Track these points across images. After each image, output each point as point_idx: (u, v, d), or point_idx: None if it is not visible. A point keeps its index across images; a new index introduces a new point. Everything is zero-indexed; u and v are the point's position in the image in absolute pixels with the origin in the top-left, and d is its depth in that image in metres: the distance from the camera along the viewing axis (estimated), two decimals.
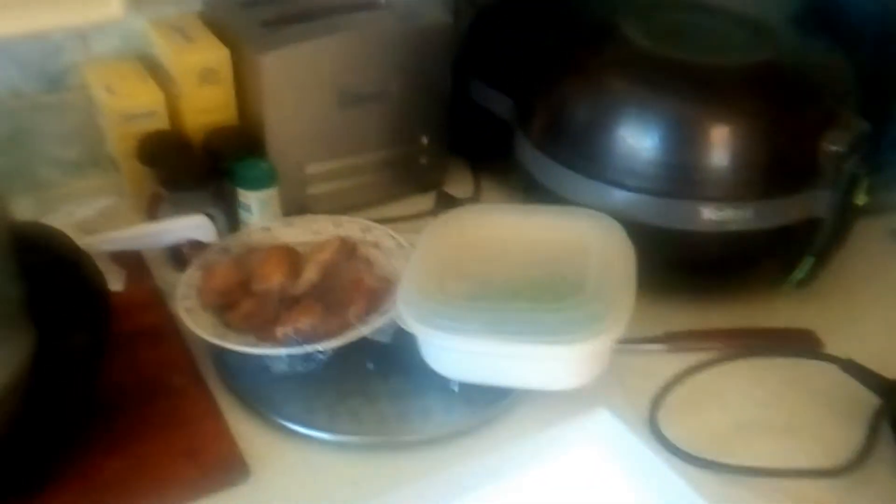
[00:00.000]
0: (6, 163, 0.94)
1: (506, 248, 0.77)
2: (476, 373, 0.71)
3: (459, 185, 1.02)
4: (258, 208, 0.87)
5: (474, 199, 0.99)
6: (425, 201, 0.99)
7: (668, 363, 0.78)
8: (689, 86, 0.76)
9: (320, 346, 0.71)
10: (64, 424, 0.64)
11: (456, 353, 0.70)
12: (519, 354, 0.68)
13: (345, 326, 0.73)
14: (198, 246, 0.85)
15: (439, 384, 0.73)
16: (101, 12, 0.90)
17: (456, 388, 0.73)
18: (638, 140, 0.75)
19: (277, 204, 0.89)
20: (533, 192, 0.85)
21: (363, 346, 0.74)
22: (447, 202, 0.97)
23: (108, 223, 0.87)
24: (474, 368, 0.71)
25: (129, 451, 0.67)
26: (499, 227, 0.80)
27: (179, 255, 0.87)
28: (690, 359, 0.79)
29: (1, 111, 0.93)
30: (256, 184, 0.87)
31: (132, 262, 0.85)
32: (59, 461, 0.64)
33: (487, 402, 0.73)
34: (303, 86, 0.88)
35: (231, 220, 0.89)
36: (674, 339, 0.80)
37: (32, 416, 0.59)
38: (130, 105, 0.90)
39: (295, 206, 0.91)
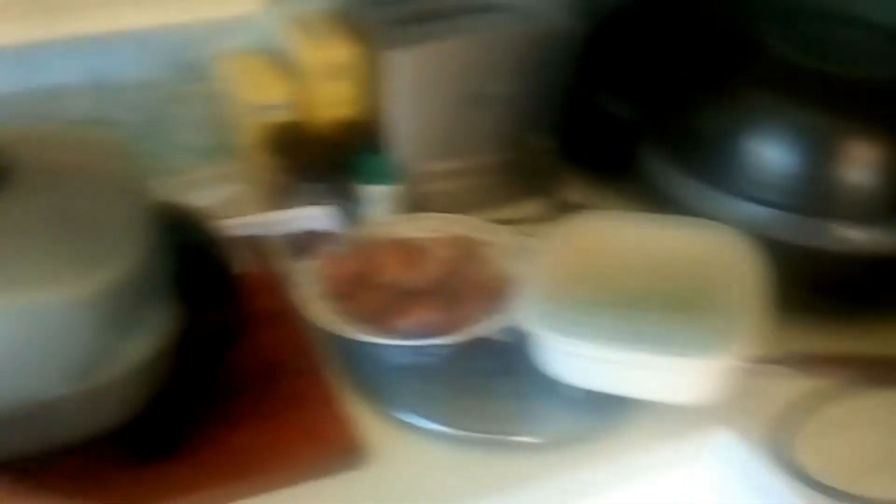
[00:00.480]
0: (142, 148, 0.98)
1: (630, 257, 0.77)
2: (596, 380, 0.70)
3: (572, 190, 1.01)
4: (378, 203, 0.89)
5: (589, 205, 0.98)
6: (538, 205, 0.99)
7: (794, 386, 0.76)
8: (835, 100, 0.73)
9: (441, 341, 0.72)
10: (198, 398, 0.66)
11: (578, 358, 0.69)
12: (643, 364, 0.67)
13: (464, 323, 0.74)
14: (319, 236, 0.87)
15: (556, 388, 0.72)
16: (240, 7, 0.94)
17: (578, 395, 0.72)
18: (777, 155, 0.73)
19: (396, 200, 0.90)
20: (657, 201, 0.83)
21: (481, 343, 0.74)
22: (561, 207, 0.96)
23: (232, 209, 0.90)
24: (595, 375, 0.70)
25: (252, 428, 0.70)
26: (622, 236, 0.79)
27: (300, 244, 0.89)
28: (818, 384, 0.76)
29: (141, 99, 0.97)
30: (378, 179, 0.88)
31: (254, 247, 0.88)
32: (193, 431, 0.67)
33: (604, 411, 0.72)
34: (427, 84, 0.89)
35: (350, 212, 0.90)
36: (802, 362, 0.77)
37: (171, 387, 0.61)
38: (262, 97, 0.92)
39: (411, 203, 0.92)
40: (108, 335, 0.57)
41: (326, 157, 0.90)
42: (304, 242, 0.87)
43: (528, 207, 0.97)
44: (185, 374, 0.63)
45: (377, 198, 0.88)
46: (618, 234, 0.79)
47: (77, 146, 0.71)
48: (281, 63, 0.97)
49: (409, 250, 0.80)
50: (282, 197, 0.91)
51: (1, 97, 0.94)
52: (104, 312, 0.57)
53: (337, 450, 0.69)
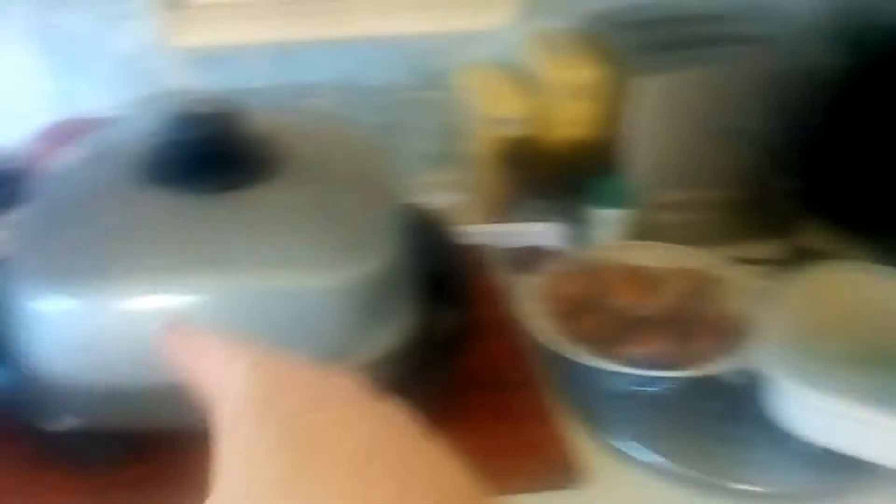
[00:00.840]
0: None
1: (880, 312, 0.72)
2: (836, 437, 0.66)
3: (812, 236, 0.96)
4: (607, 227, 0.88)
5: (830, 253, 0.93)
6: (772, 248, 0.94)
7: None
8: None
9: (670, 374, 0.70)
10: (425, 398, 0.67)
11: (820, 412, 0.65)
12: (892, 428, 0.63)
13: (694, 359, 0.71)
14: (544, 253, 0.87)
15: (786, 438, 0.68)
16: (487, 21, 0.96)
17: (810, 450, 0.67)
18: None
19: (626, 225, 0.88)
20: None
21: (707, 382, 0.71)
22: (799, 253, 0.92)
23: (458, 217, 0.91)
24: (836, 432, 0.66)
25: (468, 432, 0.69)
26: (873, 289, 0.74)
27: (523, 259, 0.89)
28: None
29: (380, 102, 1.01)
30: (611, 202, 0.87)
31: (479, 256, 0.89)
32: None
33: (836, 470, 0.68)
34: (673, 113, 0.88)
35: (577, 233, 0.90)
36: None
37: (404, 383, 0.63)
38: (500, 110, 0.94)
39: (639, 231, 0.90)
40: (360, 324, 0.60)
41: (558, 175, 0.90)
42: (528, 257, 0.87)
43: (764, 248, 0.93)
44: (417, 372, 0.64)
45: (607, 221, 0.87)
46: (868, 287, 0.74)
47: (338, 141, 0.75)
48: (522, 78, 0.98)
49: (641, 278, 0.78)
50: (508, 210, 0.92)
51: (257, 90, 1.00)
52: (358, 301, 0.59)
53: (551, 466, 0.69)
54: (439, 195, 0.98)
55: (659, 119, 0.87)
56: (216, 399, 0.26)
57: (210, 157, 0.65)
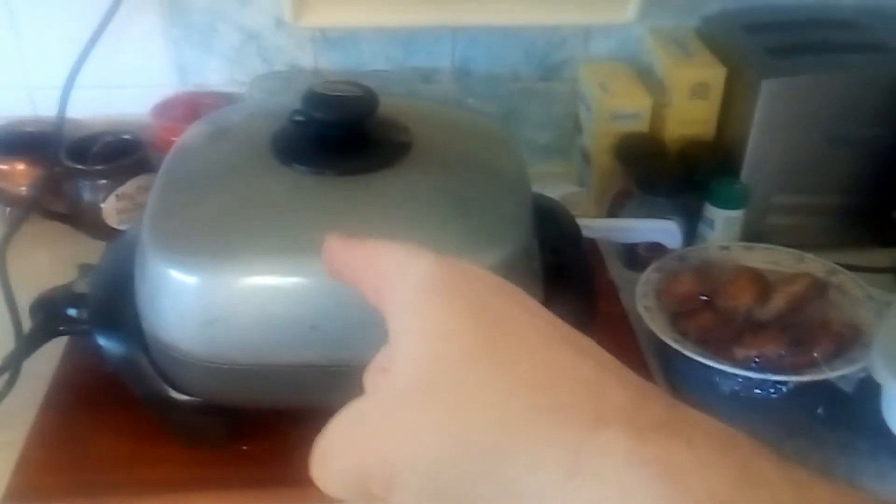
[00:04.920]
0: None
1: None
2: None
3: None
4: (721, 226, 0.88)
5: None
6: (886, 257, 0.94)
7: None
8: None
9: (780, 377, 0.71)
10: None
11: None
12: None
13: (808, 364, 0.72)
14: (656, 249, 0.88)
15: (893, 446, 0.69)
16: (614, 16, 0.96)
17: None
18: None
19: (739, 226, 0.89)
20: None
21: (820, 388, 0.72)
22: None
23: (571, 210, 0.93)
24: None
25: None
26: None
27: (634, 255, 0.91)
28: None
29: (501, 90, 1.03)
30: (727, 203, 0.88)
31: (593, 250, 0.91)
32: None
33: None
34: (795, 117, 0.88)
35: (692, 231, 0.91)
36: None
37: None
38: (619, 104, 0.95)
39: (751, 232, 0.91)
40: None
41: (674, 173, 0.91)
42: (641, 253, 0.89)
43: (877, 258, 0.93)
44: None
45: (722, 221, 0.88)
46: None
47: (467, 127, 0.76)
48: (642, 74, 0.99)
49: (757, 279, 0.79)
50: (622, 205, 0.94)
51: (379, 74, 1.03)
52: None
53: None
54: (554, 187, 1.00)
55: (782, 122, 0.87)
56: (395, 290, 0.27)
57: (341, 138, 0.65)
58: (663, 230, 0.86)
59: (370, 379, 0.30)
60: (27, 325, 0.71)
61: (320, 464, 0.27)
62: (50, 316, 0.68)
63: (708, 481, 0.21)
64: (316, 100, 0.65)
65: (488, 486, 0.23)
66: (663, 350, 0.77)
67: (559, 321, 0.26)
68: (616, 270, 0.92)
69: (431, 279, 0.27)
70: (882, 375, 0.67)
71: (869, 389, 0.70)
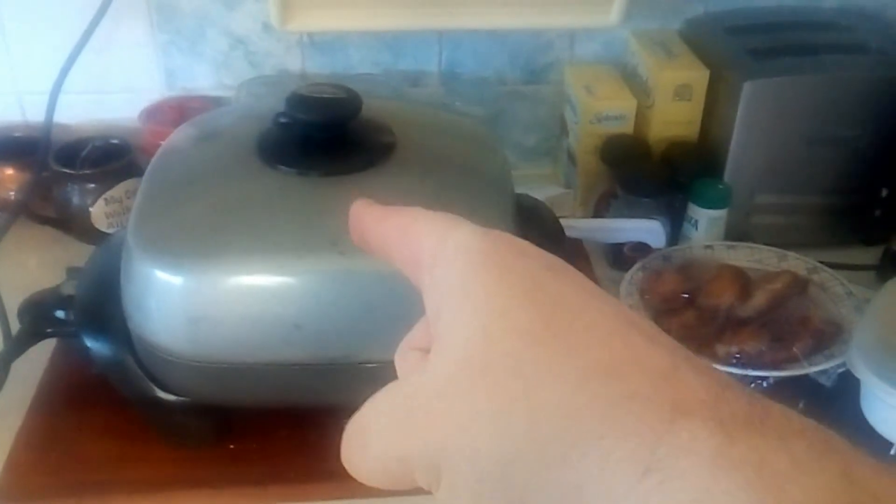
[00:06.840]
0: None
1: None
2: None
3: None
4: (705, 226, 0.89)
5: None
6: (867, 255, 0.95)
7: None
8: None
9: (762, 373, 0.72)
10: None
11: None
12: None
13: (788, 360, 0.73)
14: (641, 249, 0.89)
15: (872, 440, 0.70)
16: (599, 20, 0.97)
17: None
18: None
19: (723, 225, 0.90)
20: None
21: (799, 383, 0.73)
22: (893, 261, 0.92)
23: (556, 211, 0.94)
24: None
25: None
26: None
27: (620, 254, 0.92)
28: None
29: (488, 93, 1.04)
30: (710, 202, 0.89)
31: (574, 251, 0.92)
32: None
33: None
34: (777, 117, 0.89)
35: (675, 231, 0.92)
36: None
37: None
38: (604, 107, 0.96)
39: (735, 231, 0.92)
40: None
41: (658, 174, 0.92)
42: (627, 253, 0.90)
43: (858, 255, 0.94)
44: None
45: (706, 221, 0.89)
46: None
47: (451, 129, 0.77)
48: (626, 77, 1.00)
49: (738, 277, 0.80)
50: (607, 206, 0.94)
51: (366, 77, 1.04)
52: None
53: None
54: (541, 188, 1.01)
55: (764, 123, 0.88)
56: (436, 263, 0.25)
57: (325, 140, 0.66)
58: (648, 230, 0.87)
59: (406, 359, 0.28)
60: (16, 327, 0.71)
61: (355, 449, 0.25)
62: (38, 318, 0.69)
63: (806, 489, 0.19)
64: (300, 102, 0.66)
65: (552, 482, 0.20)
66: None
67: (622, 304, 0.24)
68: (602, 270, 0.93)
69: (479, 253, 0.24)
70: (861, 370, 0.68)
71: (848, 384, 0.71)
